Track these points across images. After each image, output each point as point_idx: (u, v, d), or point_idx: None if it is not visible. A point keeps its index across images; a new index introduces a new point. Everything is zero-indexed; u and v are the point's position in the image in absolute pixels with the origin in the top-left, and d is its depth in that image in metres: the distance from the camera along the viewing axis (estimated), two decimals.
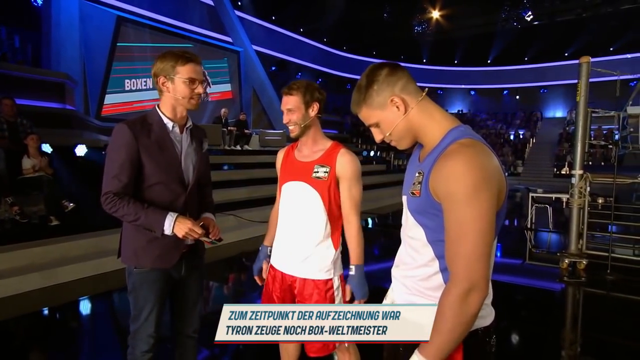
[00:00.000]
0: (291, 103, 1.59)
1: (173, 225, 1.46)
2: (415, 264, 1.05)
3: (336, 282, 1.67)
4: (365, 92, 1.01)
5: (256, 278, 1.83)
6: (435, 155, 0.97)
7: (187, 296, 1.68)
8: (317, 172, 1.61)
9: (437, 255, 0.99)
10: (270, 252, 1.79)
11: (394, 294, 1.16)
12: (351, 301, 1.64)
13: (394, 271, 1.17)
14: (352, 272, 1.62)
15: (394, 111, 1.00)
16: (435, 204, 0.95)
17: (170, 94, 1.52)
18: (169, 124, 1.55)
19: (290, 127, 1.63)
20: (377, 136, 1.06)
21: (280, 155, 1.80)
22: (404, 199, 1.10)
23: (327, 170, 1.61)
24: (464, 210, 0.88)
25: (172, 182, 1.53)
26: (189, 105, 1.54)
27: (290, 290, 1.70)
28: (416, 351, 0.93)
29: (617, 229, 4.84)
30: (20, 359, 2.67)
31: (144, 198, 1.51)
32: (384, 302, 1.24)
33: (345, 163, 1.62)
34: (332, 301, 1.64)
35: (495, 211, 0.91)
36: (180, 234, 1.47)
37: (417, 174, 1.01)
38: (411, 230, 1.05)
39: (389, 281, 1.22)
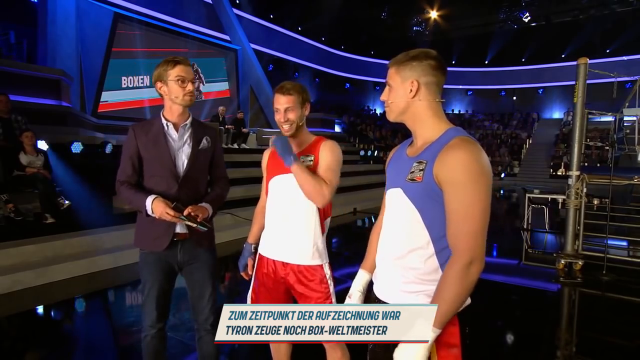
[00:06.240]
0: (290, 102, 1.68)
1: (151, 205, 1.64)
2: (408, 248, 1.11)
3: (327, 271, 1.74)
4: (406, 60, 1.13)
5: (242, 274, 1.92)
6: (437, 147, 1.07)
7: (192, 286, 1.84)
8: (303, 162, 1.68)
9: (433, 237, 1.08)
10: (255, 249, 1.88)
11: (384, 287, 1.18)
12: None
13: (381, 263, 1.20)
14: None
15: (407, 90, 1.12)
16: (436, 188, 1.05)
17: (167, 96, 1.72)
18: (165, 123, 1.76)
19: (286, 127, 1.69)
20: (384, 95, 1.18)
21: (266, 155, 1.89)
22: (394, 191, 1.16)
23: (312, 158, 1.70)
24: (469, 193, 1.00)
25: (166, 175, 1.73)
26: (183, 102, 1.73)
27: (285, 282, 1.74)
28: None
29: (613, 230, 4.86)
30: (12, 358, 2.65)
31: (145, 188, 1.76)
32: (364, 299, 1.29)
33: (327, 150, 1.71)
34: (327, 289, 1.71)
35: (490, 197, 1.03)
36: (157, 214, 1.64)
37: (416, 164, 1.10)
38: (406, 216, 1.11)
39: None
